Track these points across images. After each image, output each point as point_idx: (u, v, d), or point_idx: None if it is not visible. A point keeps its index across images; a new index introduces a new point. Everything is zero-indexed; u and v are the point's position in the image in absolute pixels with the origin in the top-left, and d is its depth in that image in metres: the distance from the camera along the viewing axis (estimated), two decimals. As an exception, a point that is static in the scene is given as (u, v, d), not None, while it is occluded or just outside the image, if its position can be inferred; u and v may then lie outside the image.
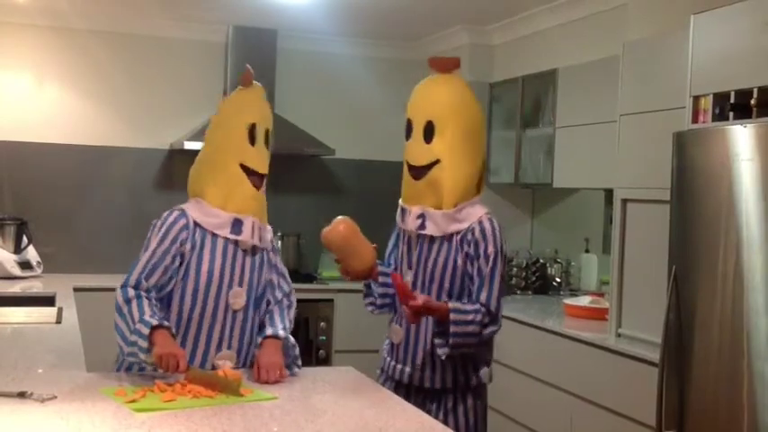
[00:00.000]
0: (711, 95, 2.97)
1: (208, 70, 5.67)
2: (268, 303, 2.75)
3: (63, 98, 5.51)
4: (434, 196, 2.73)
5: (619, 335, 3.65)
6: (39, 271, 5.15)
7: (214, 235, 2.63)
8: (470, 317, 2.62)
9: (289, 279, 2.82)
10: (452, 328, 2.61)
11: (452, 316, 2.60)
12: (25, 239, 5.11)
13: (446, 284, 2.73)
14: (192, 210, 2.65)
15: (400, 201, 2.87)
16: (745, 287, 2.67)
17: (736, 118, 2.85)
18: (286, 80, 5.82)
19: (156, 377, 2.46)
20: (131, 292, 2.54)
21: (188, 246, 2.60)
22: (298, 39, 5.86)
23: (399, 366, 2.81)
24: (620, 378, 3.48)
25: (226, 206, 2.64)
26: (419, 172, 2.75)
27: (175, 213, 2.64)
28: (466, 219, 2.72)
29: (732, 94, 2.88)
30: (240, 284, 2.65)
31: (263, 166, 2.70)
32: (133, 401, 2.23)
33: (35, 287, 4.81)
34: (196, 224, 2.62)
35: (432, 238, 2.74)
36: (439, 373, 2.75)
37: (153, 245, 2.60)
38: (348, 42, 5.94)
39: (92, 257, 5.37)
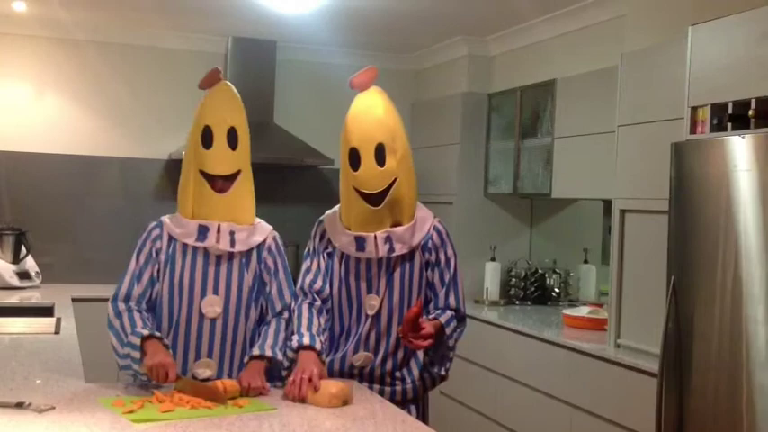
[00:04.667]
0: (709, 106, 2.97)
1: None
2: (267, 313, 2.72)
3: (62, 108, 5.52)
4: (395, 215, 2.71)
5: (618, 345, 3.65)
6: (37, 281, 5.14)
7: (185, 244, 2.65)
8: (452, 326, 2.73)
9: (293, 289, 2.73)
10: (449, 343, 2.74)
11: (447, 331, 2.70)
12: (24, 249, 5.11)
13: (418, 299, 2.73)
14: (167, 221, 2.70)
15: (344, 229, 2.72)
16: (743, 297, 2.67)
17: (734, 129, 2.85)
18: (285, 91, 5.83)
19: (150, 387, 2.46)
20: (122, 306, 2.60)
21: (162, 256, 2.65)
22: (297, 50, 5.87)
23: (375, 386, 2.75)
24: (619, 388, 3.48)
25: (193, 214, 2.66)
26: (378, 198, 2.68)
27: (152, 224, 2.72)
28: (422, 226, 2.76)
29: (730, 105, 2.88)
30: (216, 292, 2.63)
31: (222, 168, 2.62)
32: (131, 412, 2.23)
33: (34, 297, 4.81)
34: (170, 235, 2.67)
35: (398, 258, 2.72)
36: (411, 383, 2.77)
37: (134, 258, 2.68)
38: (347, 53, 5.95)
39: (90, 268, 5.36)
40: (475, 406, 4.63)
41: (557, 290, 5.22)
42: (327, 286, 2.75)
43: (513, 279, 5.28)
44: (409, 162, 2.77)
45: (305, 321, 2.64)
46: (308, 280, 2.75)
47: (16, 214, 5.32)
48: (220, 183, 2.64)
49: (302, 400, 2.45)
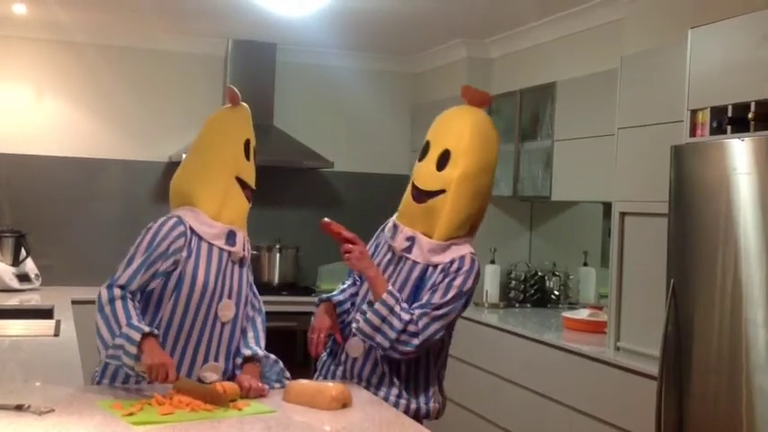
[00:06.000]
0: (709, 109, 2.98)
1: (207, 84, 5.69)
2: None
3: (62, 111, 5.52)
4: (428, 224, 2.69)
5: (617, 348, 3.65)
6: (37, 283, 5.14)
7: (210, 245, 2.64)
8: (401, 314, 2.56)
9: (259, 297, 2.85)
10: (377, 306, 2.57)
11: (386, 296, 2.58)
12: (24, 252, 5.11)
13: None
14: (189, 218, 2.64)
15: (395, 216, 2.83)
16: (743, 300, 2.67)
17: (733, 131, 2.86)
18: (285, 93, 5.83)
19: (144, 388, 2.46)
20: (117, 292, 2.52)
21: (184, 253, 2.59)
22: (297, 52, 5.87)
23: (355, 381, 2.74)
24: (618, 391, 3.48)
25: (220, 217, 2.67)
26: (423, 196, 2.70)
27: (173, 220, 2.63)
28: (450, 254, 2.67)
29: (729, 108, 2.89)
30: (230, 296, 2.66)
31: (253, 181, 2.78)
32: (131, 414, 2.23)
33: (33, 300, 4.81)
34: (193, 232, 2.62)
35: (414, 263, 2.70)
36: (393, 397, 2.70)
37: (148, 249, 2.57)
38: (347, 56, 5.95)
39: (90, 270, 5.34)
40: (474, 408, 4.63)
41: (556, 292, 5.22)
42: None
43: (513, 282, 5.29)
44: (470, 189, 2.68)
45: (341, 287, 2.88)
46: None
47: (16, 216, 5.32)
48: (250, 194, 2.76)
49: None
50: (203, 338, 2.62)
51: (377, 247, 2.86)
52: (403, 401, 2.71)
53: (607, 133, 3.93)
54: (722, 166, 2.78)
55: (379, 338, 2.58)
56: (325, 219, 2.72)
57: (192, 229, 2.62)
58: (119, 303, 2.50)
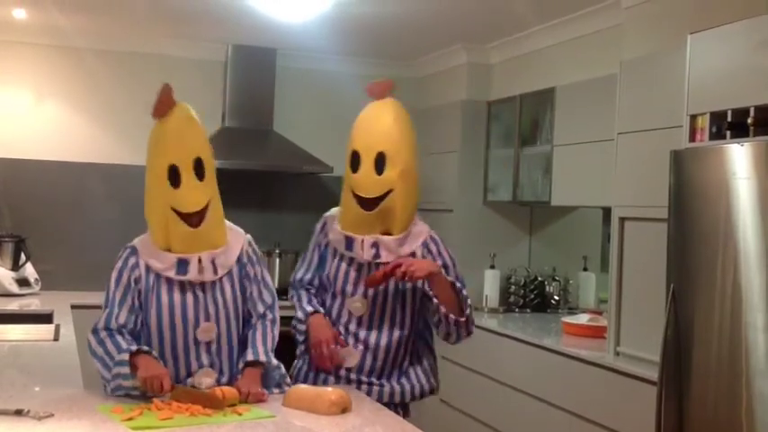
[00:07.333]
0: (708, 114, 2.98)
1: (207, 89, 5.68)
2: (251, 316, 2.69)
3: (61, 115, 5.53)
4: (384, 224, 2.75)
5: (617, 353, 3.65)
6: (36, 288, 5.14)
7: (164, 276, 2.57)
8: (464, 294, 2.77)
9: (272, 289, 2.73)
10: (465, 292, 2.76)
11: (458, 285, 2.75)
12: (23, 256, 5.11)
13: (408, 308, 2.78)
14: (142, 248, 2.60)
15: (338, 227, 2.81)
16: (743, 304, 2.67)
17: (733, 137, 2.86)
18: (285, 98, 5.83)
19: (143, 400, 2.45)
20: (104, 334, 2.53)
21: (142, 285, 2.57)
22: (297, 57, 5.88)
23: (363, 387, 2.76)
24: (618, 396, 3.48)
25: (170, 246, 2.57)
26: (371, 203, 2.73)
27: (127, 251, 2.62)
28: (415, 239, 2.77)
29: (729, 113, 2.89)
30: (208, 319, 2.57)
31: (194, 204, 2.52)
32: (130, 419, 2.23)
33: (33, 304, 4.80)
34: (149, 265, 2.58)
35: (386, 265, 2.72)
36: (409, 385, 2.78)
37: (112, 287, 2.58)
38: (347, 61, 5.96)
39: (90, 275, 5.33)
40: (474, 414, 4.62)
41: (556, 297, 5.22)
42: (317, 280, 2.88)
43: (513, 286, 5.29)
44: (411, 177, 2.77)
45: (305, 299, 2.84)
46: (299, 274, 2.91)
47: (15, 221, 5.31)
48: (195, 219, 2.54)
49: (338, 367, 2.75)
50: (190, 358, 2.58)
51: (325, 247, 2.86)
52: (427, 387, 2.83)
53: (606, 138, 3.93)
54: (722, 171, 2.78)
55: (459, 333, 2.77)
56: (366, 279, 2.73)
57: (146, 262, 2.58)
58: (108, 341, 2.51)
